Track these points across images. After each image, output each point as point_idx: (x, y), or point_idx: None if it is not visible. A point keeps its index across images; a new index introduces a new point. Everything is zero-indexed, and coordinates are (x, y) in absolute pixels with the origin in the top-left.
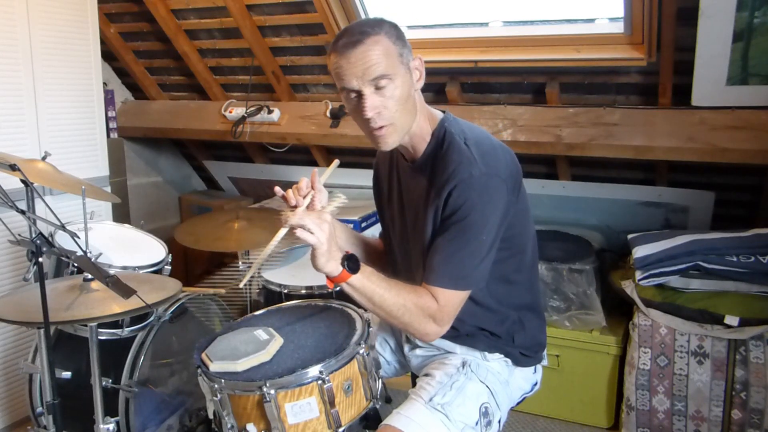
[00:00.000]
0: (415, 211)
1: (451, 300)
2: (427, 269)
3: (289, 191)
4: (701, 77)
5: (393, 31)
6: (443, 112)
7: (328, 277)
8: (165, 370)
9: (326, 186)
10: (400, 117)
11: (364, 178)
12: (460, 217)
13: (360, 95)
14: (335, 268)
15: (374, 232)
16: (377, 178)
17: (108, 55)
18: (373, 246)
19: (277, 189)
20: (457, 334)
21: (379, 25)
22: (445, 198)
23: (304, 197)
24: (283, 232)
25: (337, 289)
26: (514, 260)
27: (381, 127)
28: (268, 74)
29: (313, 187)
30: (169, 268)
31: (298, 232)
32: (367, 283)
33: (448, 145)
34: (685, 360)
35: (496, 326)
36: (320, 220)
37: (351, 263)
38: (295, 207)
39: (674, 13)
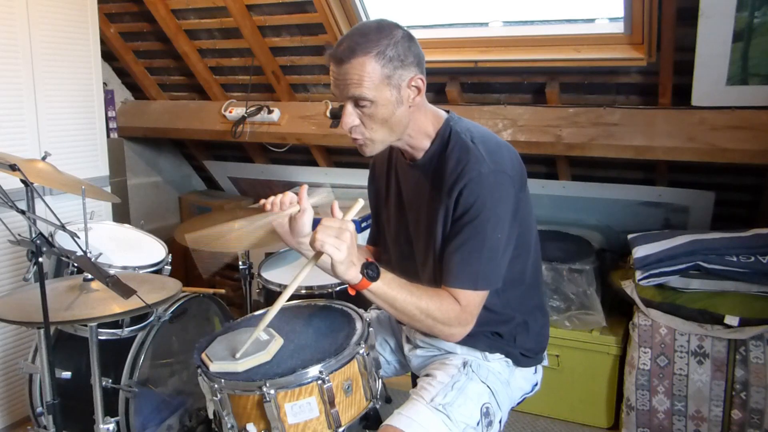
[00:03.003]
0: (417, 211)
1: (473, 300)
2: (445, 272)
3: (270, 200)
4: (701, 77)
5: (391, 49)
6: (447, 111)
7: (349, 284)
8: (165, 370)
9: (332, 187)
10: (379, 134)
11: (364, 178)
12: (472, 216)
13: (344, 106)
14: (355, 275)
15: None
16: (373, 177)
17: (108, 55)
18: (363, 254)
19: (261, 201)
20: None
21: (377, 40)
22: (455, 198)
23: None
24: (309, 266)
25: (338, 288)
26: (519, 260)
27: (356, 139)
28: (268, 74)
29: (299, 203)
30: (169, 268)
31: (317, 245)
32: (388, 289)
33: (454, 144)
34: (685, 360)
35: (500, 327)
36: (341, 229)
37: (371, 271)
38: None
39: (674, 13)
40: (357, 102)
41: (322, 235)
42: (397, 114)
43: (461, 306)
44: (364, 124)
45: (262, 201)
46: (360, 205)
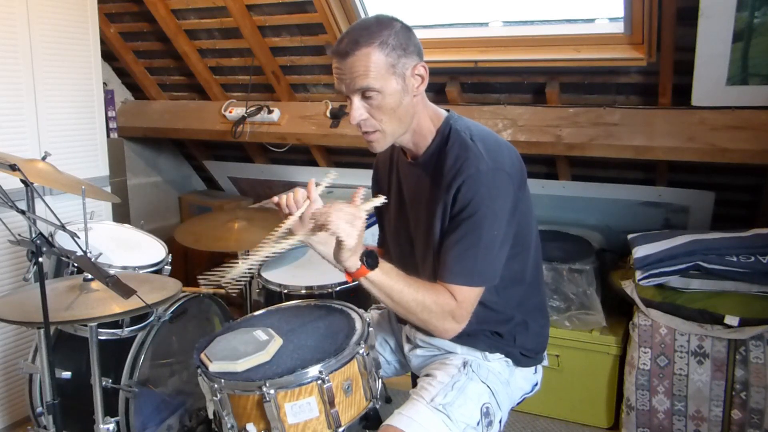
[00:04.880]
0: (418, 209)
1: (468, 296)
2: (441, 267)
3: (283, 198)
4: (701, 77)
5: (392, 39)
6: (447, 110)
7: (347, 271)
8: (165, 370)
9: (332, 187)
10: (388, 125)
11: (365, 178)
12: (469, 213)
13: (351, 100)
14: (355, 263)
15: (374, 231)
16: (377, 179)
17: (108, 55)
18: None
19: (274, 198)
20: (460, 333)
21: (378, 32)
22: (453, 194)
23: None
24: (284, 229)
25: (337, 288)
26: (518, 259)
27: (368, 133)
28: (268, 74)
29: (309, 197)
30: (169, 268)
31: (332, 227)
32: (386, 279)
33: (453, 142)
34: (685, 360)
35: (500, 327)
36: (354, 216)
37: (370, 259)
38: (288, 215)
39: (674, 13)
40: (364, 94)
41: (336, 218)
42: (404, 103)
43: (457, 302)
44: (373, 117)
45: (275, 199)
46: (381, 201)
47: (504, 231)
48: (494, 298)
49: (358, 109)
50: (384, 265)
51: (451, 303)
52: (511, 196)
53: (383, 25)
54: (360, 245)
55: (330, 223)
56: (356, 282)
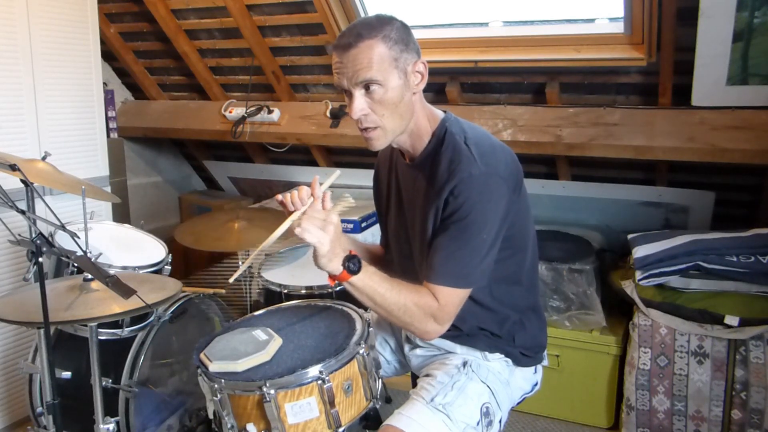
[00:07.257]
0: (414, 211)
1: (452, 298)
2: (428, 268)
3: (287, 196)
4: (701, 77)
5: (394, 33)
6: (444, 112)
7: (329, 275)
8: (165, 370)
9: (332, 187)
10: (389, 121)
11: (365, 178)
12: (460, 216)
13: (351, 95)
14: (337, 267)
15: (374, 231)
16: (377, 180)
17: (108, 55)
18: (374, 252)
19: (278, 196)
20: (458, 334)
21: (379, 27)
22: (445, 197)
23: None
24: (283, 227)
25: (337, 288)
26: (514, 260)
27: (367, 129)
28: (268, 74)
29: (312, 195)
30: (169, 268)
31: (298, 231)
32: (369, 282)
33: (447, 145)
34: (685, 360)
35: (496, 326)
36: (325, 221)
37: (352, 264)
38: (291, 213)
39: (674, 13)
40: (366, 87)
41: (307, 224)
42: (405, 99)
43: (440, 304)
44: (374, 112)
45: (279, 197)
46: (336, 175)
47: (494, 235)
48: (489, 299)
49: (359, 103)
50: (367, 269)
51: (433, 305)
52: (504, 200)
53: (384, 21)
54: (338, 249)
55: (301, 229)
56: (339, 285)
